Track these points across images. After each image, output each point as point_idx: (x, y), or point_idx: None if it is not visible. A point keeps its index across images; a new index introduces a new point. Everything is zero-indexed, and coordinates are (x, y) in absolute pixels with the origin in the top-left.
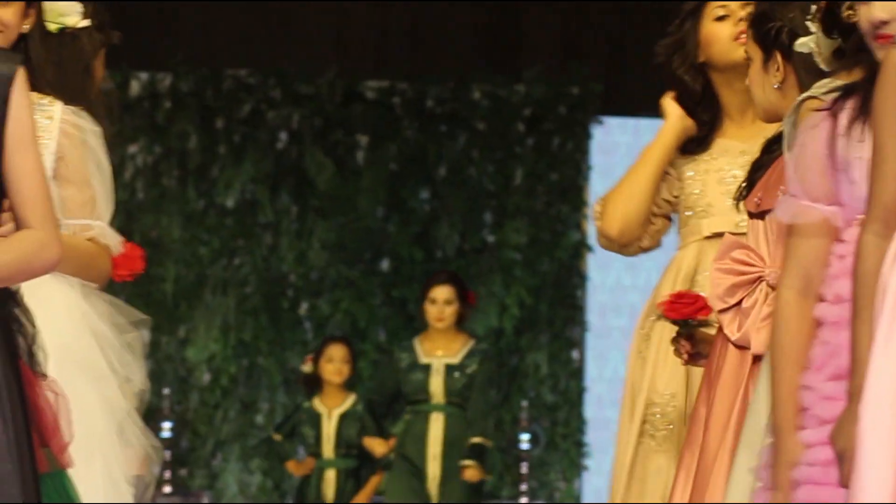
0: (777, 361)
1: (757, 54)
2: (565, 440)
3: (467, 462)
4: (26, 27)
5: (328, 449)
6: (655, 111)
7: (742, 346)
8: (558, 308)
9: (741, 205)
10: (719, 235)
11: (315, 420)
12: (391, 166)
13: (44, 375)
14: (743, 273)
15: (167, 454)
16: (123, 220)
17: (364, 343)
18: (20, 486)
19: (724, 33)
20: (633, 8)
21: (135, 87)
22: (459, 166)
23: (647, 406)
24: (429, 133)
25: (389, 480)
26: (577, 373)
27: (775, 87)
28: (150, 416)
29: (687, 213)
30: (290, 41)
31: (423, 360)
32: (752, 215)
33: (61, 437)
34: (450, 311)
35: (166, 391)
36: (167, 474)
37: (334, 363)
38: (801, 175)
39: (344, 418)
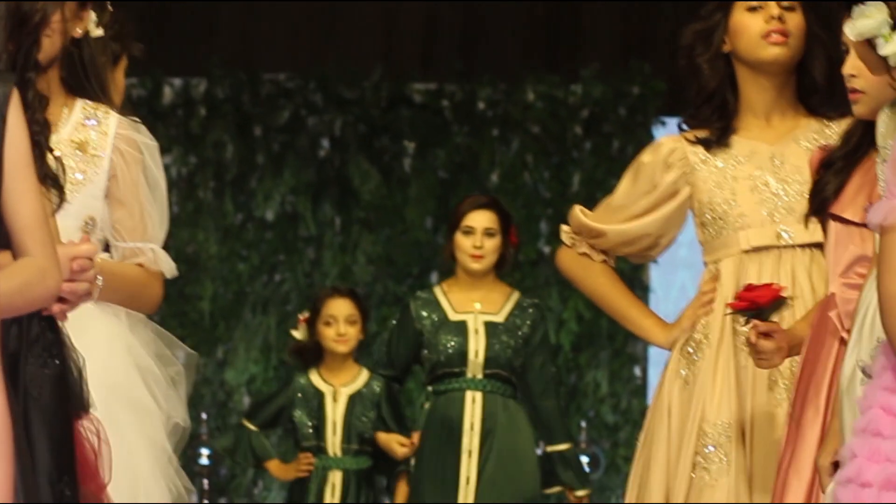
0: None
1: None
2: (627, 463)
3: (581, 493)
4: (79, 31)
5: (334, 443)
6: None
7: None
8: (619, 323)
9: (809, 224)
10: (758, 249)
11: (314, 402)
12: (440, 174)
13: (86, 412)
14: None
15: (205, 482)
16: None
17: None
18: None
19: (753, 26)
20: (696, 2)
21: (168, 94)
22: (513, 173)
23: (697, 437)
24: (480, 138)
25: (413, 493)
26: (640, 391)
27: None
28: (188, 443)
29: (717, 224)
30: (331, 42)
31: (455, 316)
32: (847, 222)
33: (100, 478)
34: (491, 246)
35: (204, 416)
36: (206, 503)
37: (336, 325)
38: None
39: (355, 401)
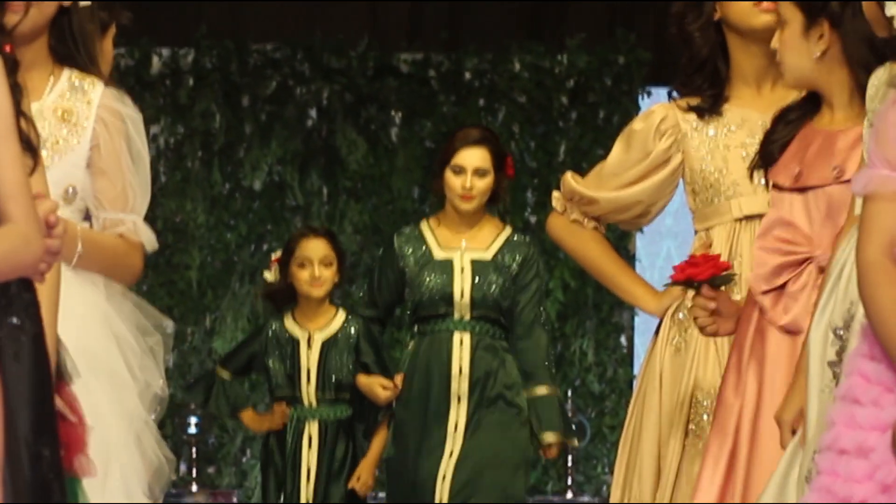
0: (880, 319)
1: (796, 18)
2: (613, 432)
3: (548, 438)
4: (67, 0)
5: (309, 392)
6: None
7: (791, 332)
8: (605, 291)
9: (755, 176)
10: (751, 217)
11: (287, 349)
12: (427, 143)
13: (66, 382)
14: (790, 253)
15: (193, 451)
16: None
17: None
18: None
19: None
20: None
21: (156, 64)
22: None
23: (690, 405)
24: (466, 107)
25: (396, 439)
26: (626, 360)
27: (816, 56)
28: (176, 411)
29: (709, 191)
30: (318, 12)
31: (441, 254)
32: (781, 188)
33: (78, 445)
34: (483, 186)
35: None
36: (194, 472)
37: (311, 268)
38: (883, 147)
39: (331, 347)
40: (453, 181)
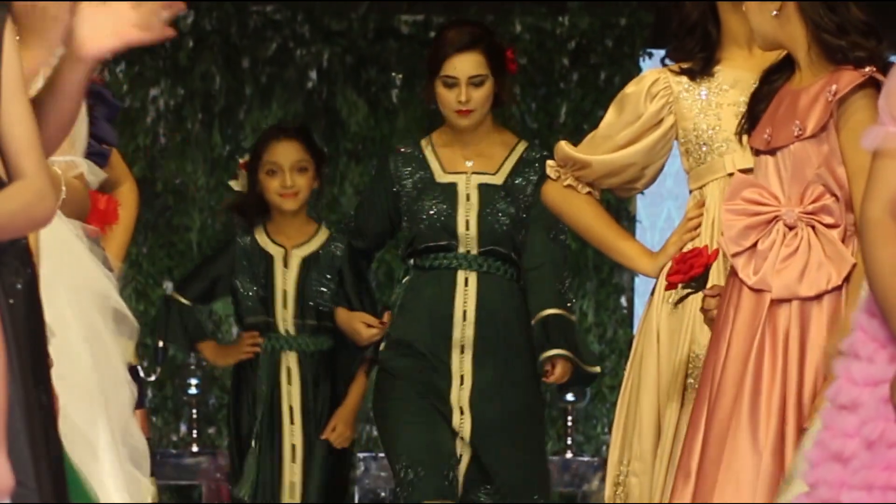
0: (876, 276)
1: None
2: (613, 392)
3: (552, 353)
4: None
5: (286, 317)
6: None
7: (759, 290)
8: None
9: (744, 140)
10: (745, 172)
11: (260, 267)
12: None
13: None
14: (757, 213)
15: (194, 412)
16: (145, 166)
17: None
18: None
19: None
20: None
21: None
22: None
23: (688, 360)
24: None
25: (382, 383)
26: (626, 320)
27: (773, 14)
28: (176, 372)
29: (702, 150)
30: None
31: (443, 176)
32: (759, 152)
33: None
34: (481, 96)
35: None
36: (194, 433)
37: (281, 175)
38: (892, 104)
39: (311, 266)
40: (446, 95)
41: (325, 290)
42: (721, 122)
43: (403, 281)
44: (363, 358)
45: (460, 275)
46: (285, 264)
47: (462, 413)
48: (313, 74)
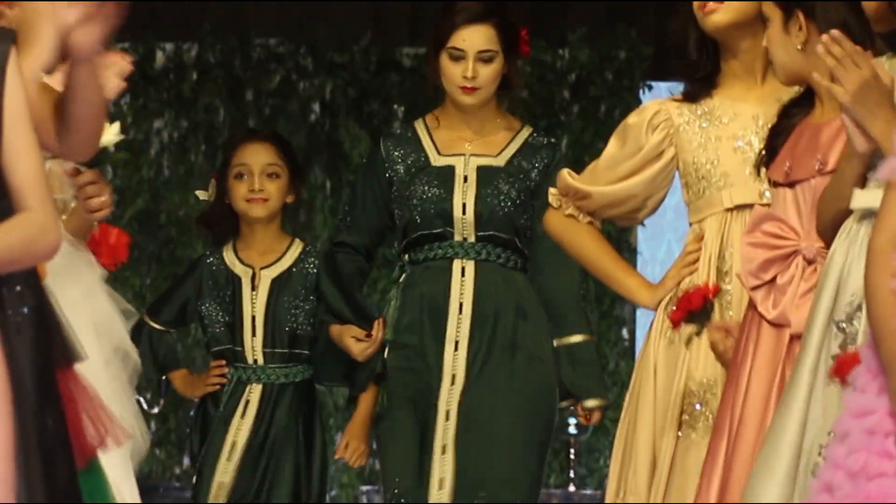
0: (876, 307)
1: (776, 14)
2: (615, 424)
3: (590, 404)
4: None
5: (254, 346)
6: None
7: (779, 325)
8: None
9: (762, 172)
10: (742, 207)
11: (227, 290)
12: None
13: (69, 363)
14: (776, 247)
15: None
16: (149, 198)
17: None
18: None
19: None
20: None
21: (159, 59)
22: None
23: (684, 395)
24: None
25: (385, 392)
26: (627, 353)
27: (798, 48)
28: (180, 405)
29: (700, 183)
30: (321, 7)
31: (439, 159)
32: (777, 184)
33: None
34: (488, 74)
35: None
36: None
37: (250, 179)
38: None
39: (282, 287)
40: (451, 69)
41: (297, 311)
42: (720, 156)
43: (399, 280)
44: (371, 367)
45: (456, 264)
46: (253, 287)
47: (447, 418)
48: (316, 107)
